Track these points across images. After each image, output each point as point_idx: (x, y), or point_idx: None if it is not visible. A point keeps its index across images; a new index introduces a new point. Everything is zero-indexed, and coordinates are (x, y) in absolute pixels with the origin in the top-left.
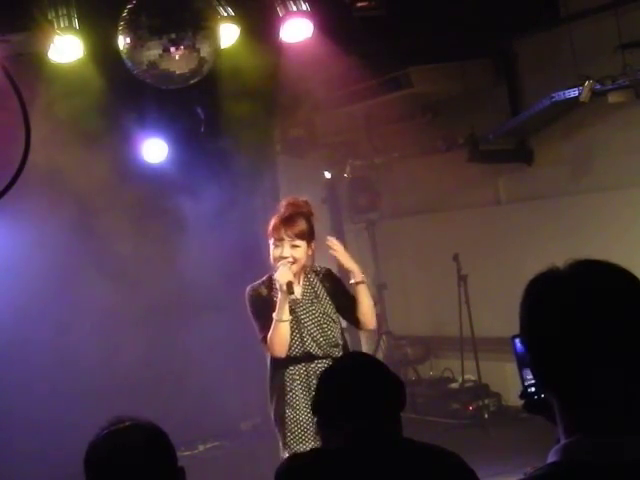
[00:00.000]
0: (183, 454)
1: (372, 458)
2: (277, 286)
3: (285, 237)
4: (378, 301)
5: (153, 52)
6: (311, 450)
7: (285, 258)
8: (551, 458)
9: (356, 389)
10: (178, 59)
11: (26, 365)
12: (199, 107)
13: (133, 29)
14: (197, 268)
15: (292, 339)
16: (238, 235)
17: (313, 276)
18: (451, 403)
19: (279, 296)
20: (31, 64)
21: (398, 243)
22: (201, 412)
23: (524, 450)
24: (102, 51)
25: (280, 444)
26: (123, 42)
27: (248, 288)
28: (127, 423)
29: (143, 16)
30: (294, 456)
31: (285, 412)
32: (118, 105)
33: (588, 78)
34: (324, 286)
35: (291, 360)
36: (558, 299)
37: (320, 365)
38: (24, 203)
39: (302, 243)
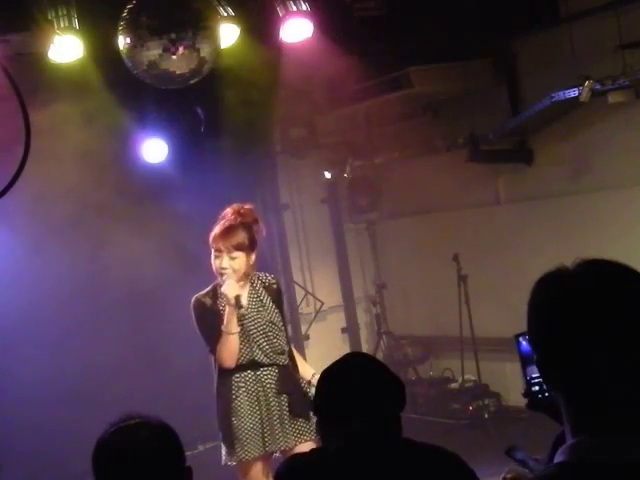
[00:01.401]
0: None
1: (372, 459)
2: (224, 299)
3: (223, 249)
4: (378, 301)
5: (153, 52)
6: (311, 450)
7: (224, 269)
8: (558, 458)
9: (356, 389)
10: (178, 59)
11: (26, 366)
12: (199, 107)
13: (133, 29)
14: (197, 267)
15: (239, 348)
16: None
17: (259, 284)
18: (451, 403)
19: (227, 309)
20: (31, 64)
21: (398, 243)
22: (201, 412)
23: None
24: (102, 51)
25: (223, 452)
26: (123, 42)
27: (193, 299)
28: (136, 420)
29: (143, 16)
30: (294, 457)
31: (231, 420)
32: (118, 105)
33: (588, 78)
34: (270, 295)
35: (237, 368)
36: (566, 298)
37: (265, 372)
38: (22, 204)
39: (240, 254)
